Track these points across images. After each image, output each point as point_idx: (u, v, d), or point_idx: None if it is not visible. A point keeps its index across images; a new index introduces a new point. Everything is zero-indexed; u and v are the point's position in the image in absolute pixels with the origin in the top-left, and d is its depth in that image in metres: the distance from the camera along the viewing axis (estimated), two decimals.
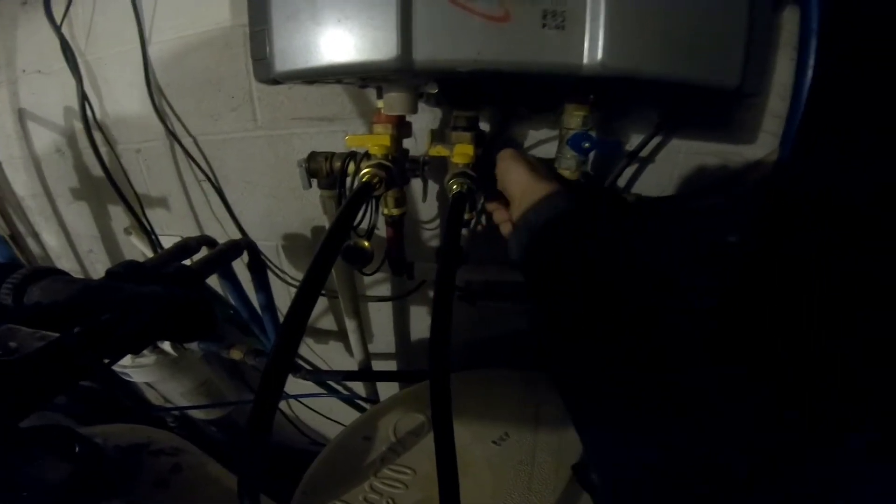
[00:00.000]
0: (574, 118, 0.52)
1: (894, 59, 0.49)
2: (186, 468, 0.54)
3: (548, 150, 0.67)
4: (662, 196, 0.66)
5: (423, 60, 0.39)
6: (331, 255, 0.38)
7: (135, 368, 0.95)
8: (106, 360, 0.38)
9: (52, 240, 1.16)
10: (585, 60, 0.39)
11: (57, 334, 0.33)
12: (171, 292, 0.43)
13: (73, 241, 1.14)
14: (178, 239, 0.97)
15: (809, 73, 0.55)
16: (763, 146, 0.61)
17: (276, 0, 0.42)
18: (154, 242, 0.93)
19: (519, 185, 0.44)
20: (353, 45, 0.40)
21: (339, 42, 0.40)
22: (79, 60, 0.80)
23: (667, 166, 0.65)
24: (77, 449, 0.43)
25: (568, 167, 0.54)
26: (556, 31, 0.39)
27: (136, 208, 0.90)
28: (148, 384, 1.09)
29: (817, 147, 0.58)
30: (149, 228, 0.92)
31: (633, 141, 0.64)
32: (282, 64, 0.43)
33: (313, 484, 0.56)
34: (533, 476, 0.51)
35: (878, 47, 0.51)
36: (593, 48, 0.39)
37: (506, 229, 0.49)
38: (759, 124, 0.61)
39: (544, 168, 0.46)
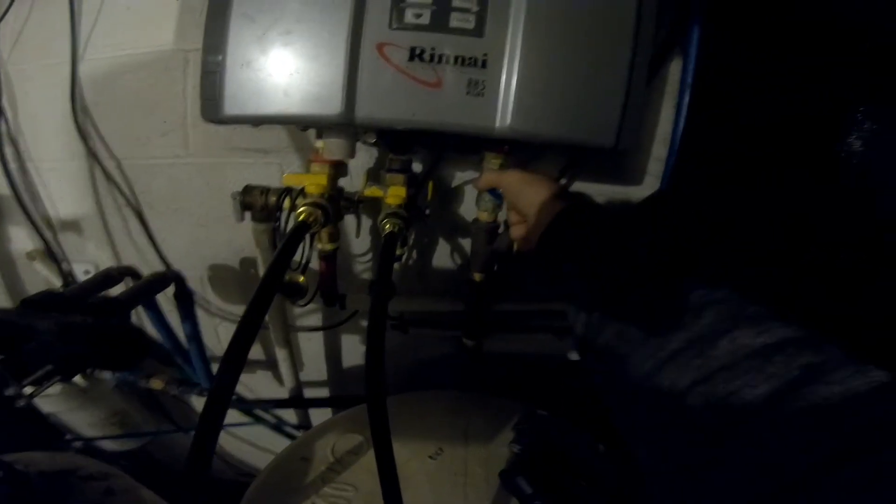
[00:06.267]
0: (491, 165, 0.59)
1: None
2: (120, 492, 0.52)
3: (472, 190, 0.74)
4: None
5: (363, 117, 0.45)
6: (269, 295, 0.40)
7: (38, 398, 0.86)
8: (30, 391, 0.38)
9: None
10: (497, 124, 0.48)
11: None
12: (104, 322, 0.43)
13: None
14: (90, 266, 0.92)
15: (682, 122, 0.63)
16: (648, 187, 0.72)
17: (231, 46, 0.45)
18: (63, 270, 0.87)
19: (534, 205, 0.47)
20: (302, 98, 0.44)
21: (289, 94, 0.45)
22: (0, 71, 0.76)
23: None
24: (1, 474, 0.41)
25: (486, 209, 0.61)
26: (477, 98, 0.47)
27: (44, 231, 0.84)
28: (51, 414, 0.99)
29: (688, 184, 0.67)
30: (58, 254, 0.86)
31: None
32: (231, 108, 0.46)
33: None
34: (467, 486, 0.56)
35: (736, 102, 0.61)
36: (504, 114, 0.48)
37: (523, 244, 0.52)
38: (644, 168, 0.71)
39: (547, 181, 0.49)
